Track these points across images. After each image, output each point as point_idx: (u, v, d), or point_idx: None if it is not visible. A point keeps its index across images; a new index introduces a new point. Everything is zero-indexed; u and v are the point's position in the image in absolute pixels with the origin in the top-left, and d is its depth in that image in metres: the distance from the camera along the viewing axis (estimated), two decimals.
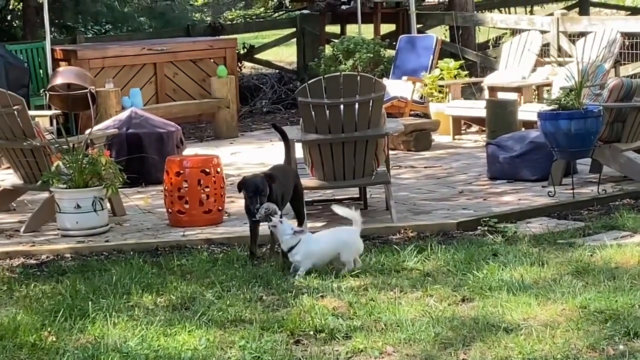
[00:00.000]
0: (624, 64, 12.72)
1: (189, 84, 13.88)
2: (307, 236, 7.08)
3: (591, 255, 6.92)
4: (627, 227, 7.74)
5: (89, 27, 19.43)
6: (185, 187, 8.65)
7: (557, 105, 8.90)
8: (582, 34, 12.47)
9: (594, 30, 12.08)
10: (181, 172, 8.68)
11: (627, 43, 12.62)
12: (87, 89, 12.20)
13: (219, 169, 8.79)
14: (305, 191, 8.54)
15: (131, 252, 7.73)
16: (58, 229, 8.53)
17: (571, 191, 8.96)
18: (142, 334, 5.73)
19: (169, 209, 8.73)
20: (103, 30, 19.58)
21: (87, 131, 9.32)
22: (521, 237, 7.56)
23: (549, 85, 12.02)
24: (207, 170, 8.70)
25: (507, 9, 19.85)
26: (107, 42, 15.19)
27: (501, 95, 12.11)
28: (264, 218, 7.23)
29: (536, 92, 12.25)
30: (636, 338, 5.34)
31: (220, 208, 8.76)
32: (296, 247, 6.96)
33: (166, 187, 8.75)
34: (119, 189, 8.71)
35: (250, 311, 6.13)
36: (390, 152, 10.00)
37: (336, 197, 9.50)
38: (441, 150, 11.80)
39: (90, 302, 6.28)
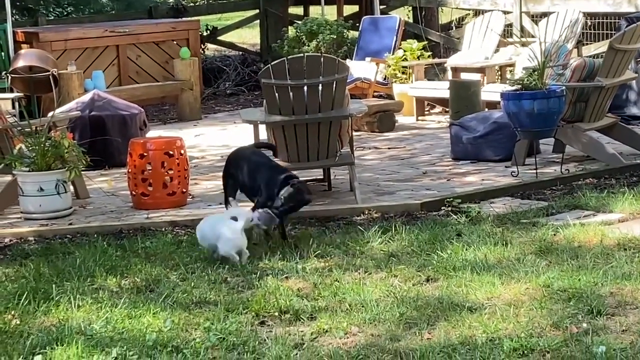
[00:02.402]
0: (587, 44, 12.80)
1: (151, 66, 13.79)
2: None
3: (554, 235, 6.96)
4: (589, 207, 7.79)
5: (51, 9, 19.24)
6: (149, 170, 8.60)
7: (520, 86, 8.93)
8: (545, 14, 12.51)
9: (556, 11, 12.13)
10: (144, 154, 8.63)
11: (590, 23, 12.68)
12: (49, 71, 12.10)
13: (182, 151, 8.75)
14: None
15: (95, 235, 7.68)
16: (21, 212, 8.46)
17: (534, 171, 9.01)
18: (107, 316, 5.70)
19: (133, 192, 8.69)
20: (65, 13, 19.38)
21: (50, 114, 9.25)
22: (485, 217, 7.59)
23: (512, 65, 12.07)
24: (171, 153, 8.67)
25: None
26: (69, 24, 15.04)
27: (464, 76, 12.14)
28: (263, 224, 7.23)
29: (499, 72, 12.30)
30: (599, 316, 5.38)
31: (184, 190, 8.73)
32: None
33: (129, 170, 8.70)
34: (82, 172, 8.65)
35: (214, 293, 6.12)
36: (354, 133, 10.01)
37: (300, 179, 9.47)
38: (405, 131, 11.82)
39: (54, 285, 6.25)
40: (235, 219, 6.82)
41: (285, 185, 7.25)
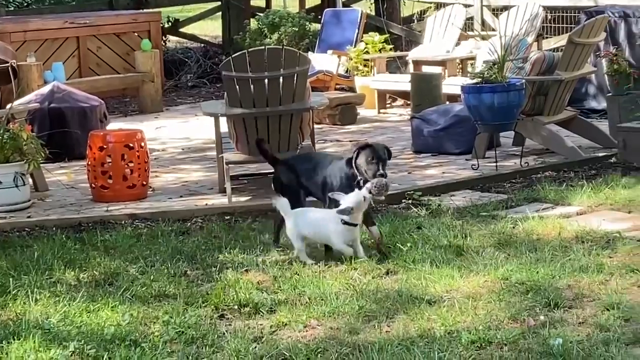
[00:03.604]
0: (547, 37, 12.86)
1: (112, 58, 13.71)
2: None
3: (513, 228, 6.99)
4: (548, 199, 7.84)
5: (10, 0, 19.07)
6: (109, 162, 8.56)
7: (480, 79, 8.97)
8: (506, 8, 12.56)
9: (516, 4, 12.17)
10: (104, 146, 8.59)
11: (550, 17, 12.75)
12: (8, 62, 11.97)
13: (142, 144, 8.71)
14: (230, 165, 8.53)
15: (54, 228, 7.63)
16: None
17: (494, 164, 9.05)
18: (65, 310, 5.66)
19: (92, 184, 8.64)
20: (25, 3, 19.22)
21: (8, 106, 9.17)
22: (445, 210, 7.62)
23: (473, 59, 12.11)
24: (131, 145, 8.62)
25: None
26: (29, 15, 14.93)
27: (426, 69, 12.17)
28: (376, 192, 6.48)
29: (460, 65, 12.34)
30: (556, 308, 5.41)
31: (144, 183, 8.70)
32: None
33: (89, 162, 8.65)
34: (41, 164, 8.59)
35: (174, 286, 6.10)
36: (316, 126, 10.01)
37: (261, 172, 9.47)
38: (366, 124, 11.83)
39: (11, 279, 6.19)
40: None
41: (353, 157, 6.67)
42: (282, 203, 6.63)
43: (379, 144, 6.78)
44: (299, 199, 6.88)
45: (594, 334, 5.02)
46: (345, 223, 6.42)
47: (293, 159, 7.15)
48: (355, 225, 6.47)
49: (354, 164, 6.64)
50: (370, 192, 6.43)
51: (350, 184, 6.63)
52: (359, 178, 6.60)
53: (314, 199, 7.02)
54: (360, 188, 6.52)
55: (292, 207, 6.68)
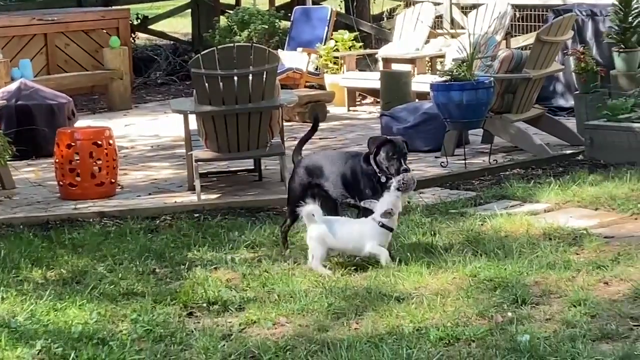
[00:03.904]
0: (515, 35, 12.91)
1: (80, 55, 13.64)
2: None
3: (482, 225, 7.02)
4: (516, 197, 7.87)
5: None
6: (77, 160, 8.53)
7: (449, 77, 8.99)
8: (474, 6, 12.60)
9: (485, 3, 12.22)
10: (72, 144, 8.55)
11: (518, 15, 12.80)
12: None
13: (111, 141, 8.68)
14: (199, 163, 8.51)
15: (21, 226, 7.59)
16: None
17: (463, 161, 9.08)
18: (31, 308, 5.63)
19: (60, 182, 8.59)
20: None
21: None
22: (414, 207, 7.63)
23: (442, 56, 12.15)
24: (99, 143, 8.59)
25: None
26: None
27: (395, 67, 12.19)
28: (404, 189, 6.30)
29: (429, 63, 12.36)
30: (524, 305, 5.44)
31: (112, 180, 8.66)
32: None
33: (57, 160, 8.61)
34: (8, 162, 8.54)
35: (142, 284, 6.08)
36: (286, 123, 10.01)
37: (231, 169, 9.47)
38: (336, 122, 11.83)
39: None
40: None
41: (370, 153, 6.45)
42: (311, 210, 6.26)
43: (397, 137, 6.57)
44: (302, 200, 6.52)
45: (560, 330, 5.05)
46: (383, 226, 6.21)
47: (308, 159, 6.82)
48: (392, 230, 6.29)
49: (373, 161, 6.43)
50: (399, 190, 6.25)
51: (370, 181, 6.45)
52: (379, 174, 6.43)
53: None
54: (383, 187, 6.35)
55: (291, 213, 6.57)
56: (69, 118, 10.65)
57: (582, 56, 9.86)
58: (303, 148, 6.91)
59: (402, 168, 6.34)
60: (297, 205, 6.48)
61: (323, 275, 6.10)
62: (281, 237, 6.75)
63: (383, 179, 6.41)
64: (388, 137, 6.56)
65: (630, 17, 10.08)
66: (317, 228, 6.26)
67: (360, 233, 6.25)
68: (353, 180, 6.53)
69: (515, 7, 12.30)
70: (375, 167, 6.45)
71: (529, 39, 12.02)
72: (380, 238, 6.24)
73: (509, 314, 5.31)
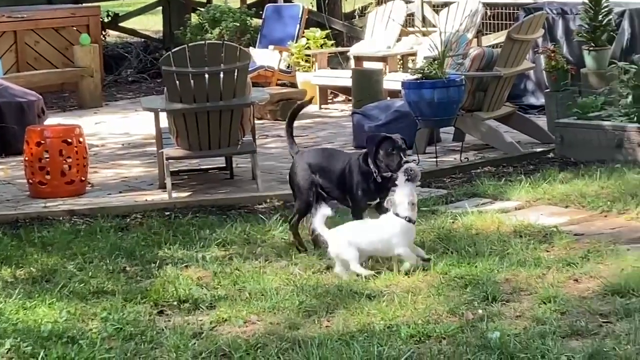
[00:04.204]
0: (486, 33, 12.95)
1: (51, 53, 13.58)
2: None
3: (453, 222, 7.03)
4: (487, 194, 7.89)
5: None
6: (46, 158, 8.48)
7: (420, 75, 9.00)
8: (446, 4, 12.63)
9: (456, 1, 12.24)
10: (42, 142, 8.50)
11: (489, 13, 12.84)
12: None
13: (81, 139, 8.64)
14: (170, 161, 8.48)
15: None
16: None
17: (434, 159, 9.09)
18: (0, 307, 5.60)
19: (30, 180, 8.54)
20: None
21: None
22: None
23: (414, 54, 12.16)
24: (69, 141, 8.55)
25: None
26: None
27: (367, 65, 12.20)
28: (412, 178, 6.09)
29: (401, 61, 12.38)
30: (494, 302, 5.45)
31: (82, 178, 8.62)
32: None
33: (26, 158, 8.56)
34: None
35: (112, 282, 6.05)
36: (257, 121, 10.01)
37: (202, 167, 9.45)
38: (308, 120, 11.82)
39: None
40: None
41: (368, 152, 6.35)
42: (325, 214, 6.09)
43: (395, 135, 6.42)
44: (311, 196, 6.50)
45: (530, 327, 5.07)
46: (410, 220, 6.02)
47: (309, 154, 6.78)
48: (414, 222, 6.12)
49: (371, 161, 6.31)
50: (409, 180, 6.05)
51: (364, 182, 6.34)
52: (375, 175, 6.30)
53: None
54: (377, 188, 6.29)
55: (306, 205, 6.45)
56: (38, 116, 10.59)
57: (552, 54, 9.90)
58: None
59: (403, 161, 6.20)
60: (308, 200, 6.45)
61: (367, 275, 5.89)
62: (292, 234, 6.57)
63: (379, 179, 6.33)
64: (386, 135, 6.44)
65: (600, 16, 10.13)
66: (343, 233, 6.06)
67: (390, 232, 6.01)
68: (349, 178, 6.43)
69: (487, 5, 12.34)
70: (373, 167, 6.33)
71: (500, 37, 12.07)
72: (409, 234, 6.05)
73: (480, 311, 5.32)
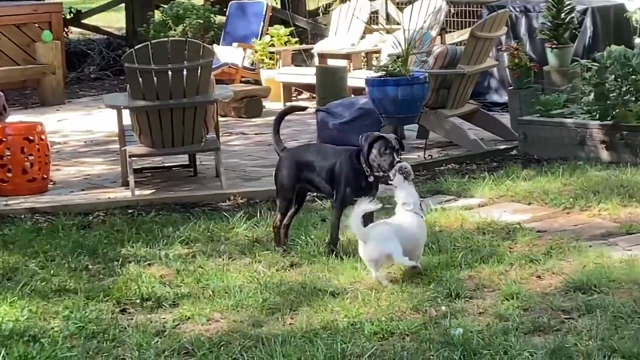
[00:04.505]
0: (450, 31, 12.98)
1: (12, 49, 13.47)
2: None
3: None
4: (451, 191, 7.92)
5: None
6: (8, 155, 8.40)
7: (384, 72, 9.01)
8: (410, 2, 12.64)
9: None
10: (3, 139, 8.42)
11: (453, 11, 12.88)
12: None
13: (43, 137, 8.57)
14: (133, 158, 8.44)
15: None
16: None
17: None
18: None
19: None
20: None
21: None
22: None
23: (378, 52, 12.17)
24: (31, 138, 8.48)
25: None
26: None
27: (331, 62, 12.19)
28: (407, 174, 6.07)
29: (365, 59, 12.39)
30: (457, 299, 5.47)
31: (44, 176, 8.55)
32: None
33: None
34: None
35: (75, 281, 6.01)
36: (221, 118, 9.97)
37: (165, 165, 9.40)
38: (272, 117, 11.56)
39: None
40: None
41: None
42: (366, 209, 5.95)
43: (389, 134, 6.43)
44: (293, 195, 6.49)
45: (493, 323, 5.09)
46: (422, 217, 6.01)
47: (296, 150, 6.77)
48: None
49: (364, 160, 6.25)
50: (406, 179, 6.03)
51: (355, 180, 6.29)
52: (367, 174, 6.25)
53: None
54: (368, 187, 6.25)
55: (287, 203, 6.40)
56: (0, 113, 10.48)
57: (515, 52, 9.94)
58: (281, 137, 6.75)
59: (396, 161, 6.15)
60: (290, 198, 6.43)
61: (417, 270, 5.82)
62: (274, 234, 6.54)
63: (371, 179, 6.29)
64: (380, 134, 6.38)
65: (563, 14, 10.19)
66: (386, 228, 5.92)
67: (419, 230, 5.95)
68: (338, 174, 6.36)
69: (450, 3, 12.37)
70: (365, 165, 6.28)
71: (463, 34, 12.10)
72: (425, 232, 6.05)
73: (443, 307, 5.34)
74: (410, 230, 5.90)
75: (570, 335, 4.91)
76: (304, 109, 7.46)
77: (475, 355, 4.72)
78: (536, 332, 4.99)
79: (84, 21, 17.08)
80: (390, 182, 6.13)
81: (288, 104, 11.96)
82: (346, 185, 6.32)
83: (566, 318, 5.16)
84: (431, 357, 4.72)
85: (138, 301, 5.65)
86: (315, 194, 7.20)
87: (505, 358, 4.66)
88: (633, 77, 8.66)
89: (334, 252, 6.27)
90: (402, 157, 6.31)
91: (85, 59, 15.79)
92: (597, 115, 8.94)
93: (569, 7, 10.22)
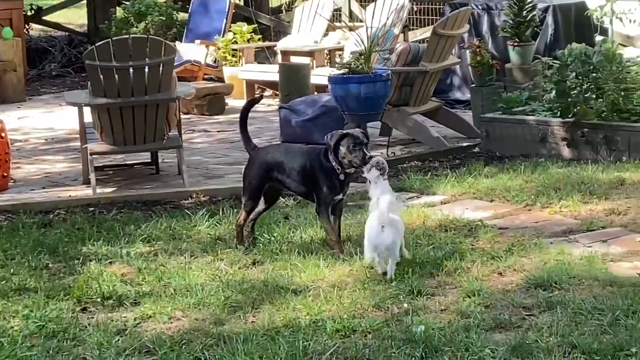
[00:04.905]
0: (412, 29, 13.02)
1: None
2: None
3: None
4: (414, 189, 7.94)
5: None
6: None
7: (347, 70, 9.00)
8: None
9: None
10: None
11: (415, 8, 12.91)
12: None
13: (3, 134, 8.49)
14: (95, 156, 8.38)
15: None
16: None
17: None
18: None
19: None
20: None
21: None
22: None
23: (341, 49, 12.18)
24: None
25: None
26: None
27: (294, 60, 12.19)
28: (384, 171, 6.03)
29: (328, 56, 12.39)
30: (419, 296, 5.47)
31: (4, 174, 8.48)
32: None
33: None
34: None
35: (35, 279, 5.96)
36: (184, 116, 9.94)
37: (127, 162, 9.35)
38: (235, 114, 11.74)
39: None
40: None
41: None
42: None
43: (355, 129, 6.39)
44: (260, 194, 6.46)
45: (455, 320, 5.10)
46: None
47: (266, 150, 6.71)
48: None
49: (333, 158, 6.20)
50: (382, 175, 6.02)
51: (328, 179, 6.23)
52: (338, 172, 6.20)
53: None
54: (341, 184, 6.21)
55: (253, 202, 6.37)
56: None
57: (478, 50, 9.98)
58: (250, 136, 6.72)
59: (367, 157, 6.12)
60: (255, 198, 6.40)
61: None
62: (237, 232, 6.51)
63: (342, 177, 6.24)
64: (345, 131, 6.34)
65: (525, 11, 10.24)
66: (397, 220, 5.87)
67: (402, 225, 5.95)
68: (312, 176, 6.32)
69: (413, 0, 12.40)
70: (335, 163, 6.23)
71: (426, 32, 12.14)
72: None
73: (405, 305, 5.34)
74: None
75: (531, 331, 4.93)
76: (260, 98, 7.36)
77: (436, 352, 4.73)
78: (497, 328, 5.01)
79: (45, 18, 16.95)
80: (363, 177, 6.10)
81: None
82: (322, 186, 6.27)
83: (527, 315, 5.18)
84: (393, 354, 4.72)
85: (99, 300, 5.61)
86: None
87: (466, 355, 4.67)
88: (594, 74, 8.72)
89: (342, 252, 6.20)
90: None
91: (46, 56, 15.68)
92: (559, 113, 9.00)
93: (530, 5, 10.27)
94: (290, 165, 6.41)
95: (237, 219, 6.62)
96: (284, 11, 15.69)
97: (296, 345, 4.82)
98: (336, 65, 9.49)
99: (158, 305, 5.47)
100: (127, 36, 8.50)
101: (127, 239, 6.74)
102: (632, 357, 4.59)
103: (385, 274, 5.74)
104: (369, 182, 6.09)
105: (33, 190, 8.45)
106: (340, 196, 6.30)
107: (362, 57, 9.00)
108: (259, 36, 13.53)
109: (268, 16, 15.27)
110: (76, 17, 19.90)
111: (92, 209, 7.69)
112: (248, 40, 13.11)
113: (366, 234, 5.87)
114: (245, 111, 6.83)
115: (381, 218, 5.76)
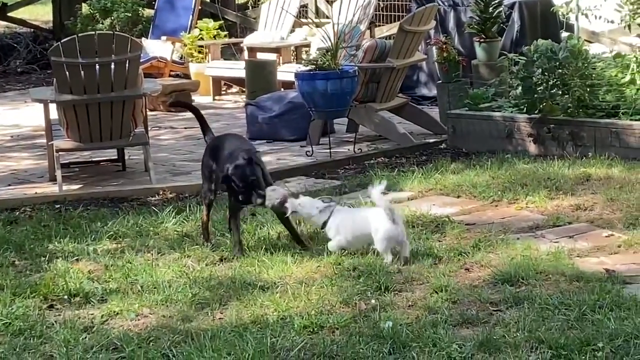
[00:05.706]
0: (379, 25, 13.04)
1: None
2: (339, 208, 6.24)
3: None
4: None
5: None
6: None
7: (313, 66, 9.01)
8: None
9: None
10: None
11: (382, 5, 12.93)
12: None
13: None
14: (61, 153, 8.34)
15: None
16: None
17: (328, 150, 9.12)
18: None
19: None
20: None
21: None
22: None
23: (307, 46, 12.18)
24: None
25: None
26: None
27: (260, 56, 12.17)
28: (279, 207, 6.15)
29: (295, 52, 12.38)
30: (387, 292, 5.48)
31: None
32: (329, 220, 6.13)
33: None
34: None
35: (1, 277, 5.92)
36: (150, 112, 9.90)
37: (94, 159, 9.31)
38: (201, 111, 11.72)
39: None
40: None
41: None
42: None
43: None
44: (212, 185, 6.39)
45: (422, 316, 5.12)
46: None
47: (217, 139, 6.63)
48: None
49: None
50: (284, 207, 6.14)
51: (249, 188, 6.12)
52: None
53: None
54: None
55: (207, 193, 6.38)
56: None
57: (444, 46, 10.01)
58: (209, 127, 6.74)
59: (259, 198, 6.07)
60: (209, 188, 6.38)
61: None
62: (202, 229, 6.47)
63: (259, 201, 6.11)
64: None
65: (491, 8, 10.28)
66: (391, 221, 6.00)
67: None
68: (226, 177, 6.20)
69: None
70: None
71: (392, 28, 12.15)
72: None
73: (373, 301, 5.35)
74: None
75: (498, 327, 4.96)
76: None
77: (404, 347, 4.74)
78: (465, 324, 5.03)
79: (10, 14, 16.84)
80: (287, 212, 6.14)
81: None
82: (234, 195, 6.19)
83: (494, 310, 5.20)
84: (361, 350, 4.73)
85: (66, 297, 5.59)
86: None
87: (434, 350, 4.69)
88: (559, 70, 8.76)
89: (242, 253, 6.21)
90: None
91: (11, 52, 15.58)
92: (525, 109, 9.05)
93: (496, 1, 10.31)
94: (220, 158, 6.33)
95: (201, 216, 6.61)
96: (250, 7, 15.67)
97: (264, 341, 4.82)
98: (303, 62, 9.50)
99: (125, 303, 5.45)
100: (93, 32, 8.46)
101: (93, 236, 6.71)
102: (598, 351, 4.62)
103: (401, 260, 5.89)
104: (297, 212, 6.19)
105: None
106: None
107: (329, 53, 9.02)
108: (225, 32, 13.51)
109: (234, 12, 15.24)
110: (42, 14, 19.79)
111: (59, 206, 7.64)
112: (214, 37, 13.08)
113: (379, 233, 5.93)
114: (193, 109, 6.97)
115: (390, 213, 5.92)
